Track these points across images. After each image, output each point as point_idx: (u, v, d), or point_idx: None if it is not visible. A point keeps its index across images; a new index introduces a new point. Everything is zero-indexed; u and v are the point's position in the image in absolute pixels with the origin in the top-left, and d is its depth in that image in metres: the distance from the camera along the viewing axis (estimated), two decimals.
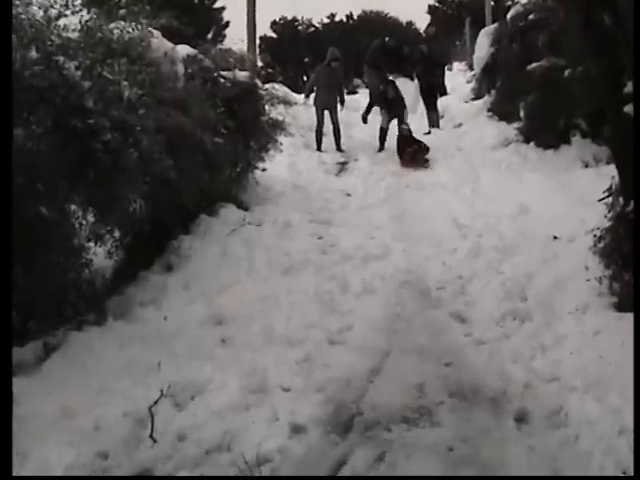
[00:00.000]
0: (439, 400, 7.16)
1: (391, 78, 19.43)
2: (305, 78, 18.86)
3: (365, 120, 19.94)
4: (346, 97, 21.17)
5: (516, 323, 8.63)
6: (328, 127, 18.82)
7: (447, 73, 24.24)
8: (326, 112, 18.69)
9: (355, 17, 38.20)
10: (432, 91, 20.70)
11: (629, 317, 7.73)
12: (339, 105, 19.04)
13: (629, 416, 6.24)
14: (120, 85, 8.96)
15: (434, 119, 20.11)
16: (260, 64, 22.14)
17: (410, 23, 37.23)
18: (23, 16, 8.05)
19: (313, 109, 19.00)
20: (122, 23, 9.80)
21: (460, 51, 31.26)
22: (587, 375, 7.01)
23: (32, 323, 8.04)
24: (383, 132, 18.36)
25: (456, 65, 29.48)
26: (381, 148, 18.34)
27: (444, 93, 22.63)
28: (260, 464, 5.97)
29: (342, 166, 17.54)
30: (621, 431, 6.13)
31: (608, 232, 8.43)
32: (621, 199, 8.25)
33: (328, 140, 18.78)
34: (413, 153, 16.75)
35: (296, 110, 18.72)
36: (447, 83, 23.40)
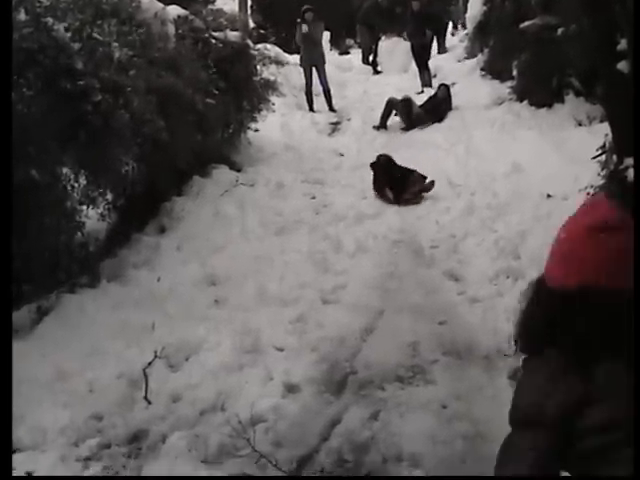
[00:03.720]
0: (433, 358, 7.19)
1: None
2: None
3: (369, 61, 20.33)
4: (338, 57, 21.10)
5: (510, 281, 8.62)
6: (319, 87, 18.70)
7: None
8: (314, 72, 18.54)
9: None
10: (423, 50, 20.53)
11: None
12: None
13: None
14: (110, 46, 8.92)
15: (426, 78, 19.99)
16: (252, 24, 21.97)
17: None
18: None
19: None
20: None
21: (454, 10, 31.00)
22: None
23: (26, 287, 8.03)
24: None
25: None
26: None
27: (443, 51, 22.66)
28: (254, 423, 5.98)
29: (335, 126, 17.51)
30: None
31: (601, 190, 8.41)
32: (614, 157, 8.24)
33: (320, 100, 18.70)
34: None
35: (288, 70, 18.66)
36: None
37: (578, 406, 2.35)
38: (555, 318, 2.50)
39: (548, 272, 2.66)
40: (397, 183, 12.19)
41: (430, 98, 17.36)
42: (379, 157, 12.93)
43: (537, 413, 2.44)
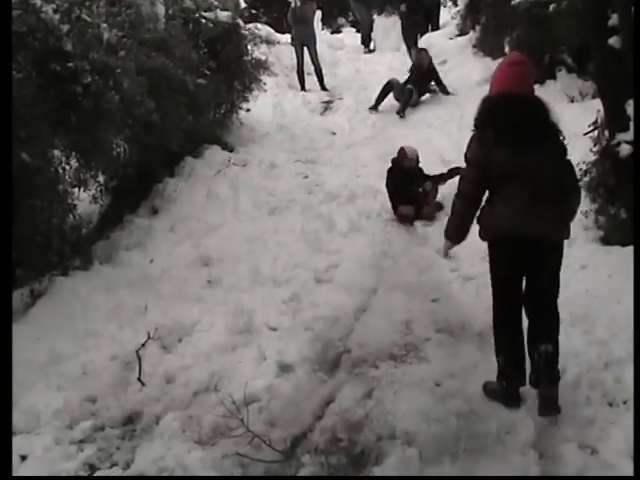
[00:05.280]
0: (426, 336, 7.19)
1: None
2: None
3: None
4: (330, 36, 20.97)
5: None
6: (311, 66, 18.58)
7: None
8: (305, 51, 18.39)
9: None
10: (413, 28, 20.37)
11: (615, 250, 7.76)
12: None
13: (615, 349, 6.27)
14: (99, 27, 8.90)
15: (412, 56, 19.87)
16: (243, 4, 21.78)
17: None
18: None
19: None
20: None
21: None
22: (574, 308, 6.98)
23: (19, 270, 8.02)
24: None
25: None
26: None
27: (436, 28, 22.41)
28: (248, 403, 5.98)
29: (327, 105, 17.39)
30: (607, 364, 6.14)
31: (594, 166, 8.41)
32: (607, 133, 8.23)
33: (312, 79, 18.57)
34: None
35: (279, 50, 18.58)
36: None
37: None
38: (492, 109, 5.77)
39: (496, 87, 5.88)
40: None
41: (415, 68, 17.01)
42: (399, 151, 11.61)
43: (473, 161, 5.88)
